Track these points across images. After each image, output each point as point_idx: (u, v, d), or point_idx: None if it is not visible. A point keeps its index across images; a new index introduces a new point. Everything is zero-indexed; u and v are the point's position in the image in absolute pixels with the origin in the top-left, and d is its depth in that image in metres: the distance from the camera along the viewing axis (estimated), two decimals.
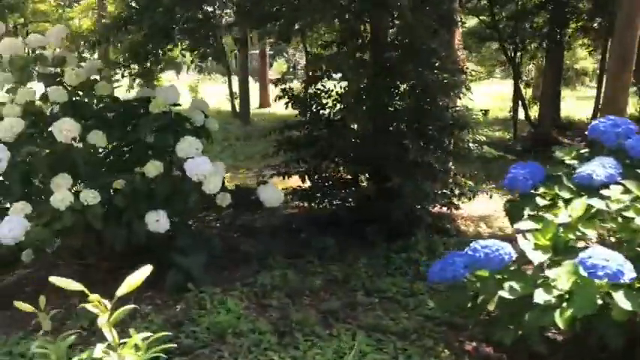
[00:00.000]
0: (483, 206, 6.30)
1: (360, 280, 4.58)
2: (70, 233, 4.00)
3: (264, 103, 21.49)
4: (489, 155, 5.54)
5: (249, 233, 5.88)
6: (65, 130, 3.87)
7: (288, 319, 3.87)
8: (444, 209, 5.63)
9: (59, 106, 4.34)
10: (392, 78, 5.05)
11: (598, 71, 12.90)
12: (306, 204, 5.96)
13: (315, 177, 5.69)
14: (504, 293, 2.96)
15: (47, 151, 4.08)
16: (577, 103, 17.54)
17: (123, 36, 5.13)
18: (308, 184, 5.89)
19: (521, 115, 12.65)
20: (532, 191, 3.43)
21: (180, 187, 4.26)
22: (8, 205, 4.02)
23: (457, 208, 5.51)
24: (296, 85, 6.21)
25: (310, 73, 5.82)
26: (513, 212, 3.48)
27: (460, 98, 5.51)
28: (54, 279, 1.77)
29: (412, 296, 4.34)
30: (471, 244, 3.15)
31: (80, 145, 4.15)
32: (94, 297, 1.79)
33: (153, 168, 4.13)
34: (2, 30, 4.43)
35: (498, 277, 3.13)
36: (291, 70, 42.85)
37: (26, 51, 4.59)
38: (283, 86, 5.74)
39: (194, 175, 4.06)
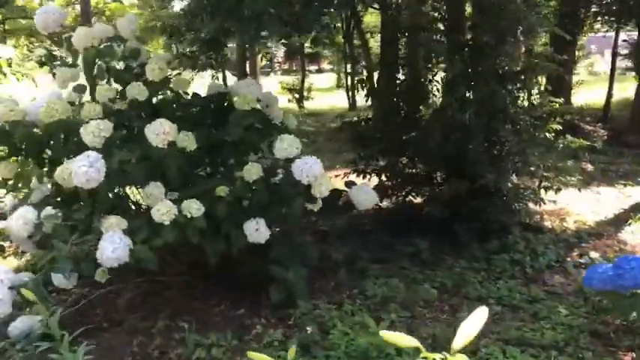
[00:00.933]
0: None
1: (472, 286, 4.20)
2: (170, 248, 3.52)
3: None
4: (574, 145, 5.17)
5: (315, 236, 5.46)
6: (163, 132, 3.37)
7: (420, 336, 3.47)
8: (530, 204, 5.26)
9: (129, 103, 3.84)
10: (484, 64, 4.65)
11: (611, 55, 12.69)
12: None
13: (393, 174, 5.28)
14: None
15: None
16: None
17: (203, 25, 4.61)
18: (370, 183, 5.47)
19: None
20: None
21: (283, 191, 3.80)
22: None
23: (544, 202, 5.14)
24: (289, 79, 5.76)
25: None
26: None
27: (541, 85, 5.16)
28: (387, 334, 1.31)
29: (535, 302, 3.99)
30: None
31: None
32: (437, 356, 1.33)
33: (254, 171, 3.66)
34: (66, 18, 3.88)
35: None
36: (267, 63, 42.08)
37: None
38: (361, 77, 5.26)
39: (304, 178, 3.60)
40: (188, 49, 4.90)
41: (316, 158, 3.68)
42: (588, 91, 15.78)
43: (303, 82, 18.51)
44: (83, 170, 3.09)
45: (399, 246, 4.88)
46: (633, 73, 13.50)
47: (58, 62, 4.12)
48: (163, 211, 3.27)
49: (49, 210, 3.39)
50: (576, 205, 6.18)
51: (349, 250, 4.83)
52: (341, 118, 13.99)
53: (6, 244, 5.36)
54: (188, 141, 3.64)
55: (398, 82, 5.23)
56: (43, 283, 3.71)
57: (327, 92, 23.92)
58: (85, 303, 4.12)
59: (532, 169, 4.98)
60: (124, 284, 4.26)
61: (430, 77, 5.06)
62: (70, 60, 4.09)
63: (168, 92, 4.24)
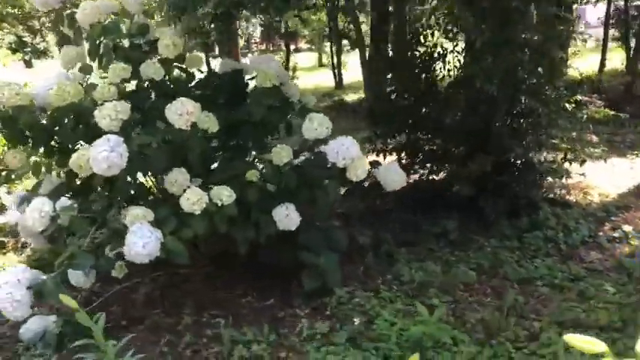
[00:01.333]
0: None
1: (509, 266, 4.00)
2: (200, 240, 3.25)
3: None
4: (597, 116, 4.98)
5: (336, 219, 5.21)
6: (187, 113, 3.08)
7: (468, 322, 3.27)
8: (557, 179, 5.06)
9: (138, 84, 3.53)
10: (508, 32, 4.40)
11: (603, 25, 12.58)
12: None
13: (414, 151, 5.04)
14: None
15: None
16: None
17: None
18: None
19: None
20: None
21: (310, 174, 3.54)
22: None
23: (571, 176, 4.94)
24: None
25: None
26: None
27: (565, 55, 4.94)
28: (570, 338, 1.08)
29: (578, 281, 3.81)
30: None
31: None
32: None
33: (285, 154, 3.39)
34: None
35: None
36: (244, 43, 41.68)
37: None
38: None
39: (340, 161, 3.35)
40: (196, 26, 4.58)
41: (352, 139, 3.42)
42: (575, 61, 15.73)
43: (287, 61, 18.07)
44: (104, 155, 2.78)
45: (425, 226, 4.66)
46: (619, 43, 13.47)
47: (29, 49, 3.82)
48: (194, 199, 2.99)
49: (63, 201, 3.08)
50: (593, 177, 6.01)
51: (373, 232, 4.60)
52: (329, 97, 13.68)
53: (5, 239, 5.04)
54: (210, 122, 3.35)
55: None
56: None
57: (310, 71, 23.54)
58: (100, 300, 3.85)
59: (555, 141, 4.77)
60: (139, 278, 3.97)
61: (451, 48, 4.80)
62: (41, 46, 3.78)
63: (176, 71, 3.94)
